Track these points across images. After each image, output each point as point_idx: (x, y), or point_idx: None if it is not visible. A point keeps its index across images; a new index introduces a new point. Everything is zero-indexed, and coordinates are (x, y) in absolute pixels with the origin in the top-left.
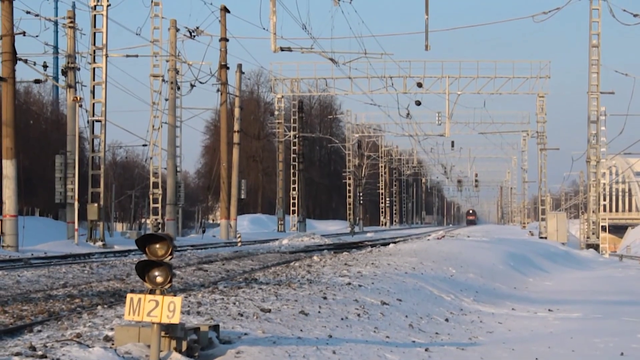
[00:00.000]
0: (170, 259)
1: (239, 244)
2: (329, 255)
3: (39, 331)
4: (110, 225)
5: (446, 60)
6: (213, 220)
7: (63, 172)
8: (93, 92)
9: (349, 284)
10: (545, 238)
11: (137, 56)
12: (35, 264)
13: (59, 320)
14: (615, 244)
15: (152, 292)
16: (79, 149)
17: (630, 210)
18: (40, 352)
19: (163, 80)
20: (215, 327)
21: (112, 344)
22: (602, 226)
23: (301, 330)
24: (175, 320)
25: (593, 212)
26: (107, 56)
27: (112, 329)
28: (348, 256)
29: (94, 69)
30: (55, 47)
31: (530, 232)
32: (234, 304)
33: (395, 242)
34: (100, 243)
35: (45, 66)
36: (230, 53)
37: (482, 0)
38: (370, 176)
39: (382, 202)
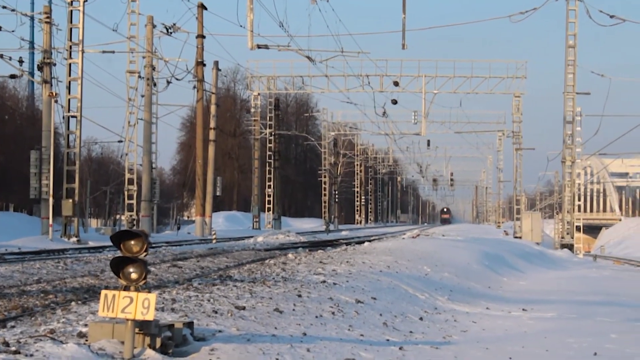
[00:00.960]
0: (145, 255)
1: (214, 241)
2: (304, 253)
3: (13, 327)
4: (85, 221)
5: (423, 59)
6: (188, 217)
7: (38, 167)
8: (69, 88)
9: (324, 282)
10: (520, 238)
11: (113, 52)
12: (9, 260)
13: (32, 316)
14: (590, 244)
15: (126, 288)
16: (54, 144)
17: (604, 210)
18: (13, 348)
19: (139, 76)
20: (190, 324)
21: (86, 340)
22: (576, 226)
23: (275, 328)
24: (150, 317)
25: (568, 212)
26: (83, 52)
27: (86, 325)
28: (323, 254)
29: (70, 64)
30: (31, 43)
31: (505, 231)
32: (209, 301)
33: (370, 241)
34: (74, 239)
35: (21, 61)
36: (207, 50)
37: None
38: (346, 174)
39: (357, 201)
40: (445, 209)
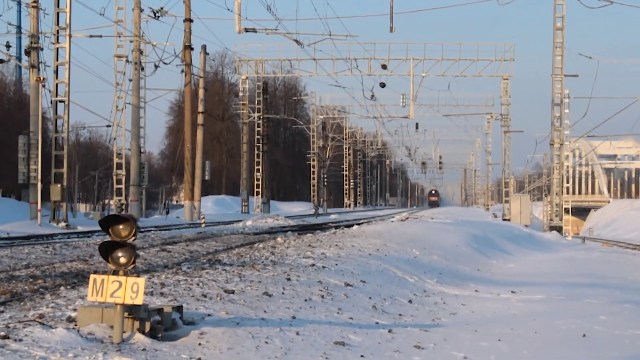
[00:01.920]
0: (134, 240)
1: (203, 225)
2: (293, 237)
3: (1, 312)
4: (74, 206)
5: (411, 42)
6: (177, 202)
7: (26, 152)
8: (56, 73)
9: (313, 265)
10: (509, 220)
11: (100, 36)
12: None
13: (21, 301)
14: (578, 226)
15: (115, 273)
16: (42, 129)
17: (593, 192)
18: (2, 333)
19: (127, 60)
20: (179, 308)
21: (75, 325)
22: (565, 208)
23: (265, 311)
24: (139, 301)
25: (556, 194)
26: (70, 36)
27: (75, 310)
28: (312, 238)
29: (57, 49)
30: (19, 27)
31: (493, 214)
32: (198, 285)
33: (359, 224)
34: (63, 224)
35: (8, 46)
36: (194, 34)
37: None
38: (335, 158)
39: (346, 184)
40: (433, 191)
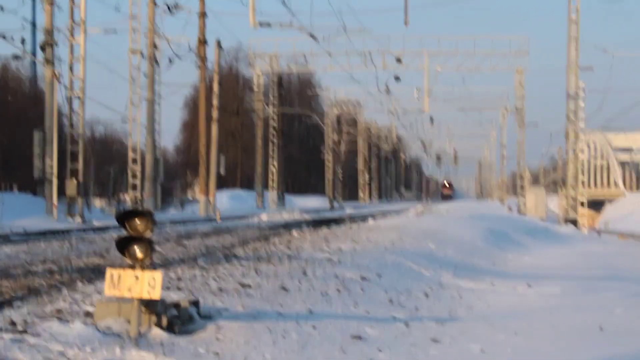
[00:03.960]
0: (150, 234)
1: (219, 220)
2: (308, 231)
3: (19, 307)
4: (89, 201)
5: (425, 35)
6: (192, 197)
7: (41, 148)
8: (71, 68)
9: (329, 259)
10: (524, 214)
11: (115, 31)
12: (14, 240)
13: (38, 296)
14: (594, 220)
15: (132, 267)
16: (58, 125)
17: (608, 185)
18: (20, 328)
19: (142, 55)
20: (196, 303)
21: (92, 320)
22: (580, 202)
23: (281, 305)
24: (156, 295)
25: (571, 187)
26: (85, 32)
27: (92, 305)
28: (327, 232)
29: (72, 44)
30: (33, 23)
31: (509, 207)
32: (214, 279)
33: (374, 218)
34: (79, 219)
35: (23, 41)
36: (209, 29)
37: None
38: (349, 152)
39: (361, 178)
40: (446, 183)
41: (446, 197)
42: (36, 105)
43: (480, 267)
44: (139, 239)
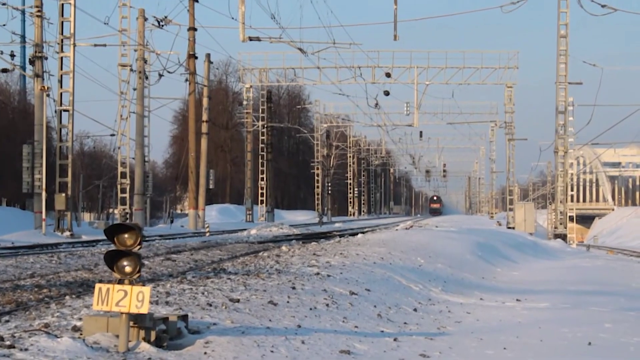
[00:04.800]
0: (139, 248)
1: (207, 234)
2: (298, 246)
3: (7, 321)
4: (78, 215)
5: (415, 50)
6: (181, 210)
7: (30, 161)
8: (61, 82)
9: (318, 274)
10: (513, 228)
11: (105, 45)
12: (2, 254)
13: (26, 310)
14: (583, 234)
15: (120, 282)
16: (47, 138)
17: (597, 200)
18: (8, 342)
19: (131, 69)
20: (184, 317)
21: (81, 334)
22: (569, 216)
23: (270, 320)
24: (144, 310)
25: (560, 202)
26: (75, 45)
27: (80, 319)
28: (316, 246)
29: (61, 58)
30: (23, 37)
31: (498, 222)
32: (203, 294)
33: (363, 232)
34: (68, 233)
35: (12, 55)
36: (198, 43)
37: None
38: (339, 166)
39: (350, 192)
40: (435, 197)
41: (435, 212)
42: (25, 118)
43: (469, 282)
44: (127, 254)
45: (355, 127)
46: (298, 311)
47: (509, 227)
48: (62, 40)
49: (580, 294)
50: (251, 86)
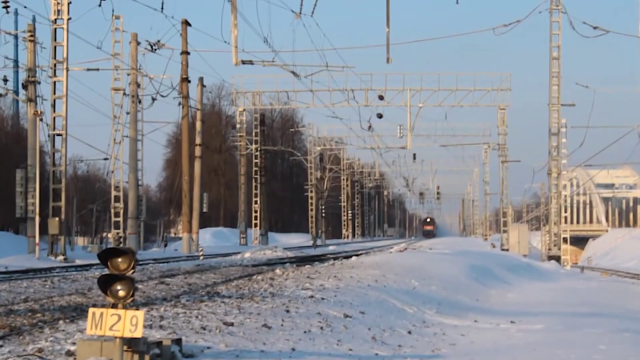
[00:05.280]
0: (133, 272)
1: (201, 258)
2: (292, 269)
3: (0, 346)
4: (72, 239)
5: (407, 72)
6: (175, 234)
7: (24, 186)
8: (54, 106)
9: (312, 297)
10: (507, 250)
11: (98, 70)
12: None
13: (20, 335)
14: (577, 256)
15: (114, 306)
16: (40, 162)
17: (591, 222)
18: None
19: (124, 93)
20: (178, 341)
21: (74, 359)
22: (563, 238)
23: (264, 343)
24: (138, 334)
25: (554, 224)
26: (67, 70)
27: (74, 344)
28: (310, 269)
29: (54, 82)
30: (16, 61)
31: (492, 244)
32: (197, 317)
33: (357, 255)
34: (61, 257)
35: (5, 80)
36: (191, 66)
37: (443, 13)
38: (332, 189)
39: (344, 215)
40: (428, 219)
41: (428, 234)
42: (18, 143)
43: (463, 304)
44: (121, 278)
45: (348, 150)
46: (292, 334)
47: (503, 249)
48: (55, 65)
49: (575, 315)
50: (244, 109)
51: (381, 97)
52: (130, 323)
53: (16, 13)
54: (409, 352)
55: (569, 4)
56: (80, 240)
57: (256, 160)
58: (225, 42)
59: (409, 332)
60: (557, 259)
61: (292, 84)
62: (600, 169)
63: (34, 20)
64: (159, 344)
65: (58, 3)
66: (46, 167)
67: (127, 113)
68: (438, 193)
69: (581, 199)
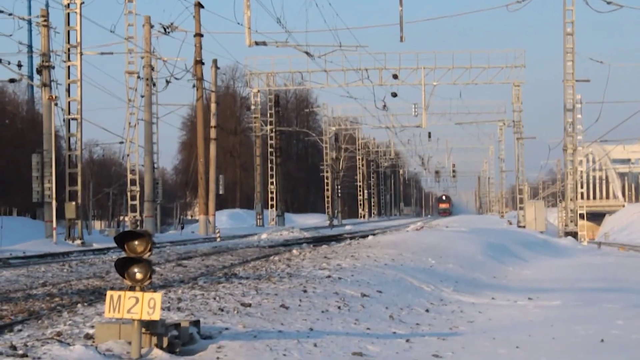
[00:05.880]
0: (150, 255)
1: (218, 239)
2: (308, 249)
3: (20, 330)
4: (89, 223)
5: (421, 51)
6: (191, 217)
7: (40, 171)
8: (68, 91)
9: (329, 276)
10: (524, 227)
11: (112, 53)
12: (14, 264)
13: (39, 319)
14: (594, 232)
15: (132, 289)
16: (56, 147)
17: (607, 197)
18: (21, 351)
19: (138, 77)
20: (196, 323)
21: (93, 342)
22: (580, 214)
23: (282, 324)
24: (156, 316)
25: (571, 200)
26: (81, 54)
27: (92, 327)
28: (327, 249)
29: (68, 67)
30: (30, 46)
31: (508, 221)
32: (214, 299)
33: (374, 234)
34: (78, 241)
35: (19, 65)
36: (205, 48)
37: None
38: (348, 169)
39: (360, 195)
40: (443, 197)
41: (444, 212)
42: (34, 128)
43: (480, 281)
44: (138, 261)
45: (363, 130)
46: (310, 314)
47: (520, 226)
48: (68, 49)
49: (592, 291)
50: (259, 91)
51: (395, 76)
52: (148, 305)
53: None
54: (426, 330)
55: None
56: (97, 224)
57: (271, 142)
58: (239, 23)
59: (427, 311)
60: (574, 235)
61: (306, 65)
62: (616, 144)
63: (47, 5)
64: (177, 325)
65: None
66: (62, 151)
67: (142, 96)
68: (454, 171)
69: (597, 174)
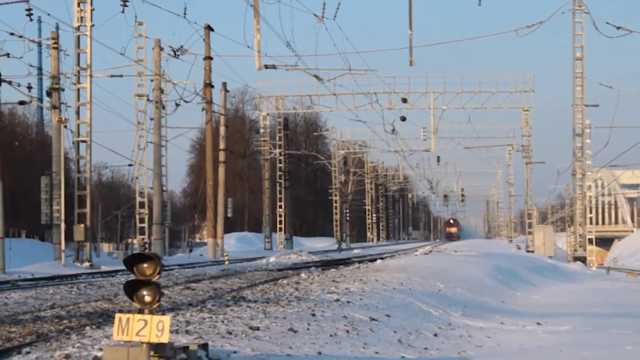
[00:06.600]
0: (158, 278)
1: (226, 263)
2: (317, 273)
3: (28, 353)
4: (97, 245)
5: (430, 75)
6: (200, 239)
7: (49, 193)
8: (78, 113)
9: (338, 300)
10: (533, 252)
11: (121, 76)
12: (22, 286)
13: (47, 341)
14: (602, 257)
15: (140, 311)
16: (65, 169)
17: (616, 222)
18: None
19: (148, 99)
20: (204, 346)
21: None
22: (588, 239)
23: (290, 347)
24: (164, 339)
25: (579, 225)
26: (91, 76)
27: (100, 349)
28: (336, 273)
29: (78, 89)
30: (40, 69)
31: (517, 245)
32: (223, 322)
33: (382, 258)
34: (87, 264)
35: (29, 87)
36: (214, 71)
37: (466, 15)
38: (357, 192)
39: (368, 218)
40: (451, 220)
41: (451, 237)
42: (43, 150)
43: (489, 306)
44: (147, 283)
45: (372, 153)
46: (318, 338)
47: (528, 251)
48: (78, 72)
49: (601, 316)
50: (268, 114)
51: (404, 100)
52: (156, 328)
53: (39, 21)
54: (435, 354)
55: (591, 4)
56: (106, 247)
57: (280, 165)
58: (248, 46)
59: (435, 335)
60: (583, 260)
61: (315, 88)
62: (625, 169)
63: (57, 27)
64: (185, 349)
65: (81, 10)
66: (71, 173)
67: (151, 119)
68: (462, 195)
69: (606, 199)
